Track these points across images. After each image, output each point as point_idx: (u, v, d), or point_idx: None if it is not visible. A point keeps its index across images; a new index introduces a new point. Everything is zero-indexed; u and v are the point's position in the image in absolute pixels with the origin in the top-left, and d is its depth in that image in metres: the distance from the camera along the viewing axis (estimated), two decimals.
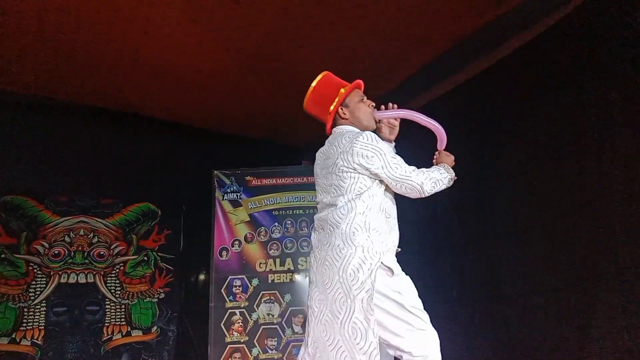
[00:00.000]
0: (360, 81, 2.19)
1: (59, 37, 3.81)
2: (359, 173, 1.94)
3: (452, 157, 2.15)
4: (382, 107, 2.20)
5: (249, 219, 4.83)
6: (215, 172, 4.92)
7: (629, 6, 3.26)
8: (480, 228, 4.62)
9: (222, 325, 4.51)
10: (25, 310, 4.46)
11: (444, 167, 2.07)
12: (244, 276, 4.66)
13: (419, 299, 2.05)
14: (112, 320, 4.76)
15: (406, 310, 1.92)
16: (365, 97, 2.17)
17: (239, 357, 4.44)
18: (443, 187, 2.04)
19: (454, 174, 2.08)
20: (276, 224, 4.82)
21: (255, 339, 4.50)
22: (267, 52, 4.20)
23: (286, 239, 4.79)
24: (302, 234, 4.81)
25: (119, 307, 4.83)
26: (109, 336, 4.71)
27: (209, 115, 5.28)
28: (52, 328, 4.52)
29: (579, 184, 3.92)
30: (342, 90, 2.11)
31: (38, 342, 4.43)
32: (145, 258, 5.03)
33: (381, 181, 1.99)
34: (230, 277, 4.65)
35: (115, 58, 4.16)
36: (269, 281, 4.67)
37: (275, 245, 4.76)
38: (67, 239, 4.76)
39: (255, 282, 4.65)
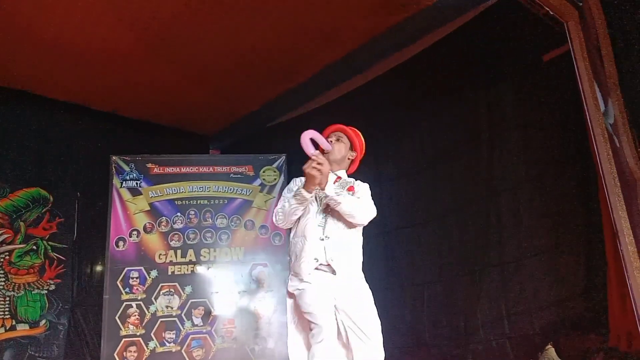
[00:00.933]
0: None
1: None
2: None
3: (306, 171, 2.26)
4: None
5: (149, 208, 4.64)
6: (114, 157, 4.67)
7: (523, 17, 3.51)
8: (381, 223, 4.81)
9: (117, 318, 4.32)
10: None
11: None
12: (142, 267, 4.49)
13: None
14: None
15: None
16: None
17: (134, 351, 4.29)
18: (293, 208, 2.35)
19: (303, 193, 2.29)
20: (178, 214, 4.68)
21: (153, 332, 4.35)
22: (174, 35, 4.06)
23: (189, 229, 4.67)
24: (205, 224, 4.71)
25: (2, 299, 4.46)
26: None
27: (109, 97, 5.01)
28: None
29: (471, 181, 4.20)
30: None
31: None
32: (34, 247, 4.68)
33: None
34: (127, 269, 4.45)
35: (3, 31, 3.83)
36: (169, 273, 4.53)
37: (176, 236, 4.63)
38: None
39: (154, 273, 4.49)
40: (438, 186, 4.39)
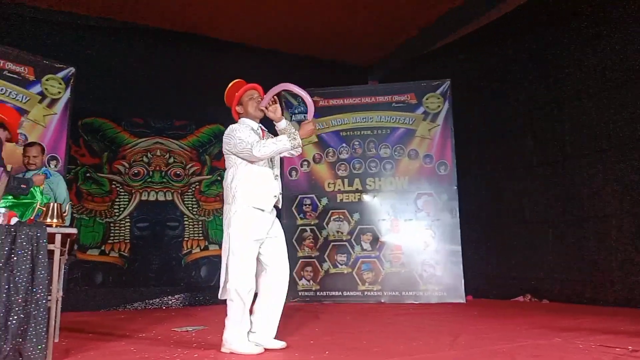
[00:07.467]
0: (252, 84, 2.72)
1: None
2: (230, 153, 2.59)
3: (310, 127, 2.59)
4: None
5: (316, 140, 4.86)
6: (283, 92, 4.92)
7: None
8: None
9: (293, 240, 4.70)
10: (112, 225, 4.81)
11: (287, 136, 2.52)
12: (313, 195, 4.78)
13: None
14: (190, 235, 5.05)
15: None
16: (254, 95, 2.70)
17: (310, 271, 4.65)
18: (281, 150, 2.51)
19: (298, 140, 2.52)
20: (344, 144, 4.83)
21: (326, 254, 4.67)
22: None
23: (354, 159, 4.81)
24: (369, 154, 4.80)
25: (196, 223, 5.10)
26: (189, 250, 5.02)
27: (275, 35, 5.22)
28: (137, 242, 4.86)
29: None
30: (236, 93, 2.73)
31: (125, 254, 4.80)
32: (219, 178, 5.21)
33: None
34: (300, 196, 4.79)
35: None
36: (338, 200, 4.76)
37: (343, 166, 4.80)
38: (145, 159, 5.01)
39: (324, 201, 4.75)
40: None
